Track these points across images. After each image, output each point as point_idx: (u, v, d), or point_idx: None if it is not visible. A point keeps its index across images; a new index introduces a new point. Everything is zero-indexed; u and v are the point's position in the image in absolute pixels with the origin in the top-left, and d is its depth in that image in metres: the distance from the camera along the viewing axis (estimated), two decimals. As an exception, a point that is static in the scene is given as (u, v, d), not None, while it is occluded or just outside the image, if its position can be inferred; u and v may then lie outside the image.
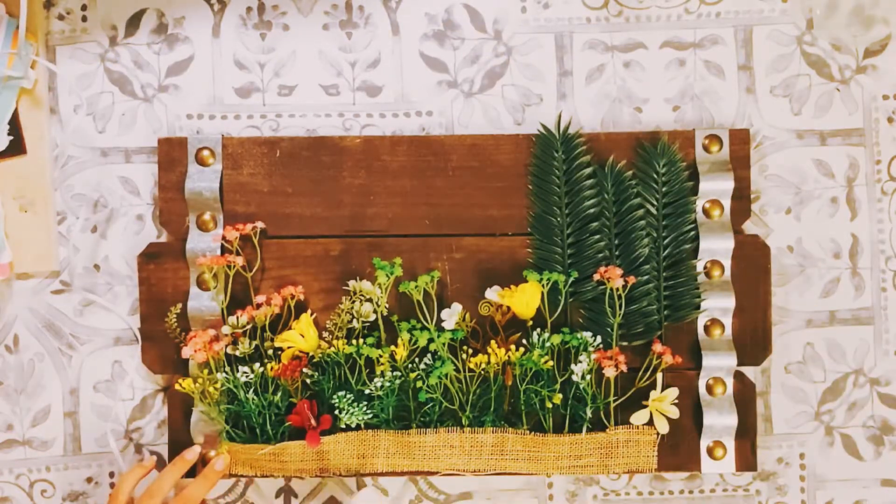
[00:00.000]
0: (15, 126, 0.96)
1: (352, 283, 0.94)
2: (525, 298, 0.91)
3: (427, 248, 0.96)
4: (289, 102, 0.98)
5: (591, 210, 0.95)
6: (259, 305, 0.93)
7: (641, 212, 0.95)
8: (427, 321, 0.93)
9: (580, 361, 0.91)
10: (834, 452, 0.99)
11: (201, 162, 0.95)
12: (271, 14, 0.98)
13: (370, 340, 0.92)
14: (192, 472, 0.93)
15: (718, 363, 0.94)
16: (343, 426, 0.92)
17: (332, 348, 0.92)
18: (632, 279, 0.93)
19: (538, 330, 0.92)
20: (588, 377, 0.91)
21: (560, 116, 0.97)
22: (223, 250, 0.95)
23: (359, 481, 0.98)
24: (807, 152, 0.98)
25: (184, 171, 0.96)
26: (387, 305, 0.94)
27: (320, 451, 0.92)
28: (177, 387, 0.92)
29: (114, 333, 0.98)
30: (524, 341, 0.92)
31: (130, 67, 0.98)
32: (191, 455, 0.93)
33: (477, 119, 0.98)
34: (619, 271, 0.92)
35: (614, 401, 0.93)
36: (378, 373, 0.91)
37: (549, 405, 0.92)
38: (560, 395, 0.92)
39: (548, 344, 0.91)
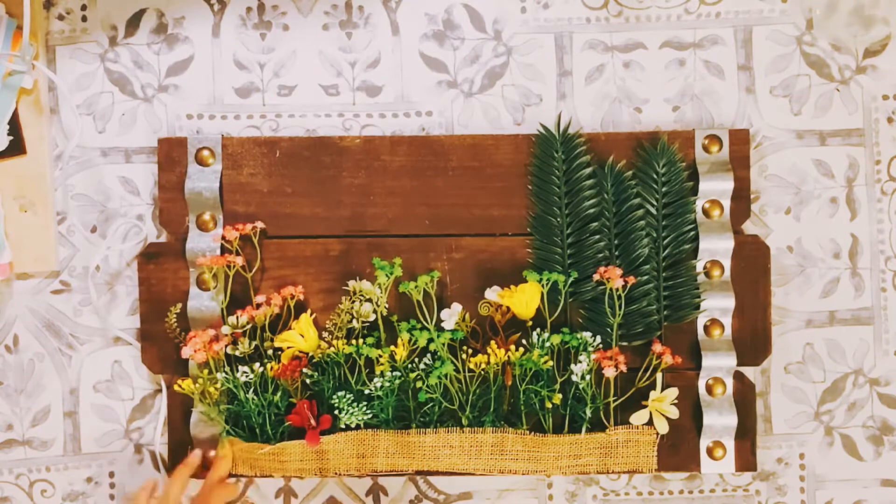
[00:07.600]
0: (15, 126, 0.96)
1: (352, 283, 0.94)
2: (525, 298, 0.91)
3: (427, 248, 0.96)
4: (289, 102, 0.98)
5: (591, 210, 0.95)
6: (259, 305, 0.93)
7: (641, 212, 0.95)
8: (427, 321, 0.93)
9: (580, 361, 0.91)
10: (834, 452, 0.99)
11: (201, 162, 0.95)
12: (271, 14, 0.98)
13: (370, 340, 0.92)
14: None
15: (718, 363, 0.94)
16: (343, 426, 0.92)
17: (332, 348, 0.92)
18: (632, 279, 0.93)
19: (538, 330, 0.92)
20: (588, 377, 0.91)
21: (560, 116, 0.97)
22: (223, 250, 0.95)
23: None
24: (807, 152, 0.98)
25: (184, 171, 0.96)
26: (386, 305, 0.94)
27: (320, 451, 0.92)
28: (176, 387, 0.92)
29: (114, 333, 0.98)
30: (524, 341, 0.92)
31: (130, 67, 0.98)
32: (194, 458, 0.93)
33: (477, 119, 0.98)
34: (619, 271, 0.92)
35: (614, 401, 0.93)
36: (378, 373, 0.91)
37: (549, 405, 0.92)
38: (560, 395, 0.92)
39: (547, 344, 0.91)
